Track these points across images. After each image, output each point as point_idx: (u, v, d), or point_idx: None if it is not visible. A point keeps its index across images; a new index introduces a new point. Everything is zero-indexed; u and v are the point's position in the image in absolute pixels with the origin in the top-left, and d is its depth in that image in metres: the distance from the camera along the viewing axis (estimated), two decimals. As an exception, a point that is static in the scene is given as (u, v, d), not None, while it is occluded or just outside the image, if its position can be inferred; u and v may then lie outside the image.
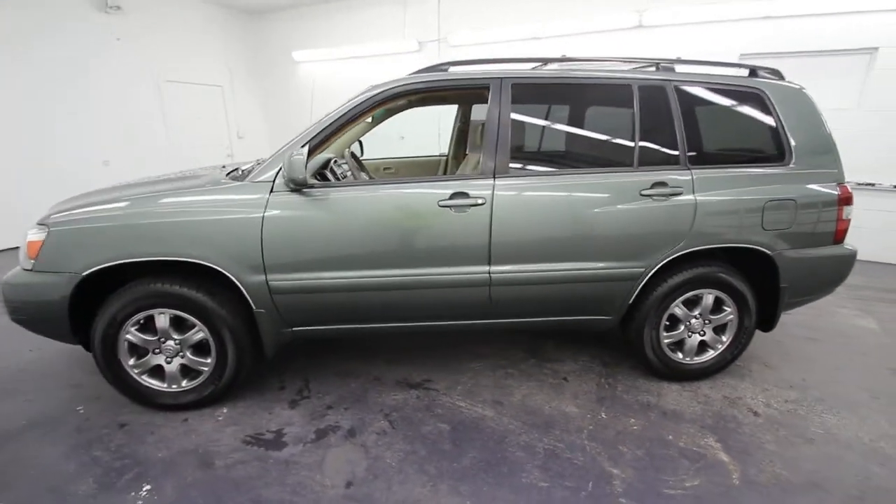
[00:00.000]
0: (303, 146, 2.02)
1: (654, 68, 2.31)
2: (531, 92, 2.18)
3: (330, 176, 2.56)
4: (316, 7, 7.24)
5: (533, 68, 2.32)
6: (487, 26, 6.04)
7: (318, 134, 2.06)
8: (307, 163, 1.95)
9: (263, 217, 1.97)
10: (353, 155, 2.75)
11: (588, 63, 2.32)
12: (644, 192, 2.13)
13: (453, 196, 2.05)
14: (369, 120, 3.02)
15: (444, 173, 3.64)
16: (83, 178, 4.97)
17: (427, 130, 6.30)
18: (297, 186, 1.96)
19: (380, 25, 6.83)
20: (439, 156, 3.74)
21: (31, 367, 2.64)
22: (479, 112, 3.51)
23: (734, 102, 2.30)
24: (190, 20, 6.92)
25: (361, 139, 3.43)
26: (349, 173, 2.71)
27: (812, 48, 4.74)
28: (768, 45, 4.89)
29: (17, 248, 2.12)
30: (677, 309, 2.33)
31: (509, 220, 2.07)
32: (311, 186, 2.02)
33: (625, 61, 2.40)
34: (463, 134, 3.52)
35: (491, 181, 2.08)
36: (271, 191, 2.00)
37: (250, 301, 2.04)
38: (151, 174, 2.95)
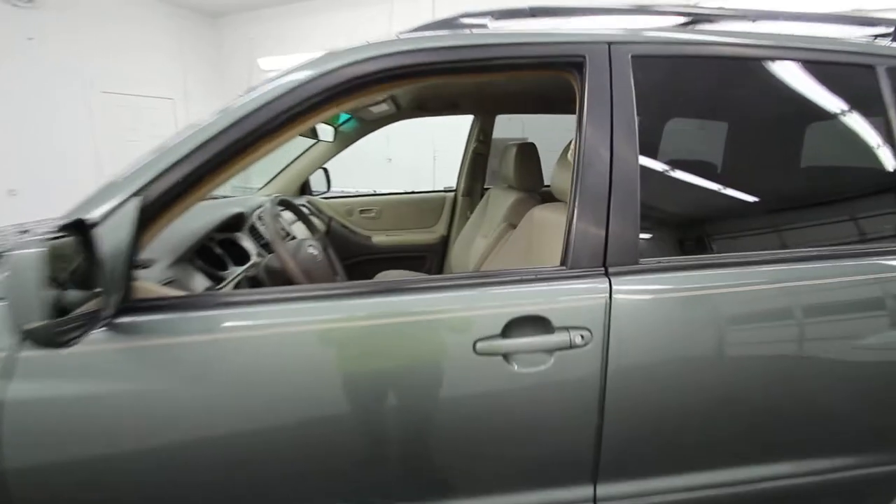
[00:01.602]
0: (119, 204, 0.76)
1: (891, 37, 1.15)
2: (678, 74, 0.98)
3: (253, 245, 1.33)
4: (286, 7, 6.12)
5: (674, 28, 1.13)
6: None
7: (173, 166, 0.81)
8: (140, 241, 0.72)
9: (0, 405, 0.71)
10: (286, 203, 1.40)
11: (768, 22, 1.14)
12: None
13: (511, 326, 0.82)
14: (329, 139, 1.82)
15: (452, 216, 2.43)
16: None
17: (420, 152, 5.19)
18: (42, 340, 0.67)
19: (362, 28, 5.74)
20: (444, 190, 2.53)
21: None
22: (504, 128, 2.34)
23: None
24: (132, 21, 5.73)
25: (325, 166, 2.23)
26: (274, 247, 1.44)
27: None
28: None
29: None
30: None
31: (653, 378, 0.85)
32: (133, 309, 0.77)
33: (824, 20, 1.23)
34: (481, 159, 2.34)
35: (603, 283, 0.85)
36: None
37: None
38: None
